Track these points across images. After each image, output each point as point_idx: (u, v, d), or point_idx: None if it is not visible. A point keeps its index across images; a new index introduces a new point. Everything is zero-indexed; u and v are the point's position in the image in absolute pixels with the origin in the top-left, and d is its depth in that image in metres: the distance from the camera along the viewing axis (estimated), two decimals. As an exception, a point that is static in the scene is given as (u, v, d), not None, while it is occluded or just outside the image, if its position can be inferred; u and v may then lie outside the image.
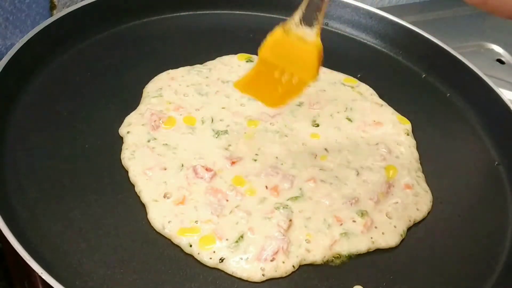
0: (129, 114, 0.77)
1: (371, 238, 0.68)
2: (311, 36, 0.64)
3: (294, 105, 0.82)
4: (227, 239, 0.65)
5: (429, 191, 0.75)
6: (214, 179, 0.70)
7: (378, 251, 0.68)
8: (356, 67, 0.92)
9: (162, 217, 0.66)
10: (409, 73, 0.95)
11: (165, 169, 0.71)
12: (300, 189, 0.71)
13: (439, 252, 0.70)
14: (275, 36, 0.65)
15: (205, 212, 0.67)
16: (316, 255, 0.66)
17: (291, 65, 0.65)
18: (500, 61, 1.15)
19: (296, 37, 0.64)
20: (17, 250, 0.57)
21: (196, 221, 0.66)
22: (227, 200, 0.68)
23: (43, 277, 0.56)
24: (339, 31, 1.00)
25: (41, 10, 0.91)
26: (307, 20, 0.63)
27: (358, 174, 0.74)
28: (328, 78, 0.88)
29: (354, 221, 0.69)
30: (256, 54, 0.89)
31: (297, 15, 0.64)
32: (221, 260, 0.63)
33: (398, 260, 0.68)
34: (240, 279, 0.63)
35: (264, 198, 0.69)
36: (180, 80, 0.83)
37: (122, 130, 0.75)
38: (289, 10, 0.98)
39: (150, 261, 0.63)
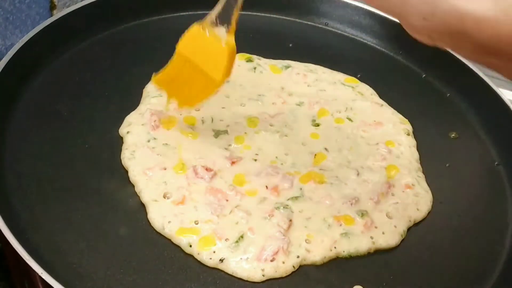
0: (129, 114, 0.77)
1: (371, 238, 0.68)
2: (225, 35, 0.65)
3: (294, 105, 0.82)
4: (227, 239, 0.65)
5: (429, 191, 0.75)
6: (214, 179, 0.70)
7: (378, 251, 0.68)
8: (356, 67, 0.92)
9: (162, 217, 0.66)
10: (409, 73, 0.95)
11: (165, 169, 0.71)
12: (300, 189, 0.71)
13: (439, 252, 0.70)
14: (191, 31, 0.66)
15: (205, 212, 0.67)
16: (316, 255, 0.65)
17: (203, 62, 0.66)
18: (500, 61, 1.14)
19: (212, 35, 0.65)
20: (17, 250, 0.57)
21: (196, 221, 0.66)
22: (227, 200, 0.68)
23: (43, 277, 0.56)
24: (339, 31, 1.00)
25: (41, 10, 0.91)
26: (223, 19, 0.65)
27: (358, 174, 0.74)
28: (328, 78, 0.88)
29: (354, 221, 0.69)
30: (256, 54, 0.90)
31: (214, 13, 0.65)
32: (221, 260, 0.63)
33: (398, 260, 0.68)
34: (240, 279, 0.63)
35: (264, 198, 0.69)
36: (180, 80, 0.83)
37: (122, 130, 0.75)
38: (289, 10, 1.00)
39: (150, 261, 0.63)
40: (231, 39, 0.66)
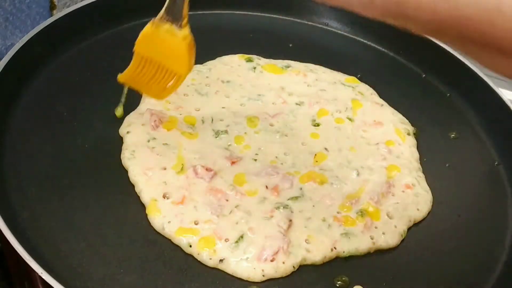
0: (129, 114, 0.77)
1: (371, 238, 0.68)
2: (179, 29, 0.66)
3: (294, 105, 0.82)
4: (227, 239, 0.65)
5: (429, 191, 0.75)
6: (214, 179, 0.70)
7: (378, 251, 0.68)
8: (356, 67, 0.92)
9: (161, 217, 0.66)
10: (409, 73, 0.95)
11: (165, 169, 0.71)
12: (300, 189, 0.71)
13: (439, 252, 0.70)
14: (144, 31, 0.67)
15: (205, 212, 0.67)
16: (316, 255, 0.65)
17: (164, 59, 0.67)
18: (500, 61, 1.14)
19: (165, 31, 0.66)
20: (17, 250, 0.57)
21: (196, 221, 0.66)
22: (227, 200, 0.68)
23: (43, 277, 0.56)
24: (339, 31, 1.00)
25: (41, 10, 0.91)
26: (173, 14, 0.65)
27: (358, 174, 0.74)
28: (328, 78, 0.88)
29: (354, 221, 0.69)
30: (256, 54, 0.90)
31: (163, 9, 0.65)
32: (221, 260, 0.63)
33: (398, 260, 0.68)
34: (240, 279, 0.63)
35: (264, 198, 0.69)
36: (180, 80, 0.83)
37: (122, 130, 0.75)
38: (289, 10, 1.00)
39: (150, 261, 0.63)
40: (186, 31, 0.66)
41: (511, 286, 0.67)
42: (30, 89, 0.78)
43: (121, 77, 0.72)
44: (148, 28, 0.67)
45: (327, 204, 0.70)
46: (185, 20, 0.66)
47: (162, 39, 0.66)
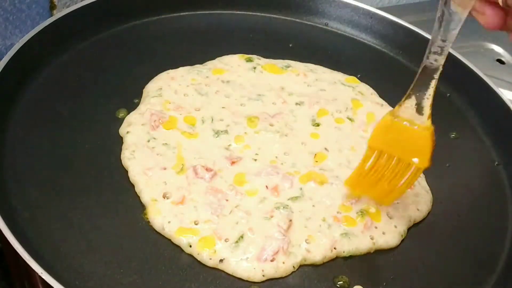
0: (129, 114, 0.77)
1: (372, 238, 0.68)
2: (422, 119, 0.62)
3: (294, 104, 0.82)
4: (227, 239, 0.65)
5: (429, 191, 0.75)
6: (214, 179, 0.70)
7: (378, 251, 0.68)
8: (356, 67, 0.92)
9: (162, 217, 0.66)
10: (409, 73, 0.94)
11: (165, 169, 0.71)
12: (300, 189, 0.71)
13: (439, 252, 0.70)
14: (384, 122, 0.63)
15: (205, 212, 0.67)
16: (316, 255, 0.65)
17: (401, 152, 0.63)
18: (500, 61, 1.15)
19: (406, 121, 0.62)
20: (17, 250, 0.57)
21: (196, 221, 0.66)
22: (227, 200, 0.68)
23: (43, 277, 0.56)
24: (339, 31, 1.00)
25: (41, 10, 0.91)
26: (418, 104, 0.62)
27: (358, 174, 0.74)
28: (328, 78, 0.88)
29: (354, 221, 0.69)
30: (256, 54, 0.90)
31: (405, 100, 0.62)
32: (221, 260, 0.63)
33: (398, 260, 0.68)
34: (240, 279, 0.63)
35: (264, 198, 0.69)
36: (180, 80, 0.83)
37: (122, 130, 0.75)
38: (289, 10, 1.00)
39: (150, 261, 0.63)
40: (429, 122, 0.62)
41: (511, 286, 0.67)
42: (30, 89, 0.78)
43: (347, 182, 0.68)
44: (386, 119, 0.63)
45: (327, 204, 0.70)
46: (430, 110, 0.62)
47: (402, 130, 0.62)
